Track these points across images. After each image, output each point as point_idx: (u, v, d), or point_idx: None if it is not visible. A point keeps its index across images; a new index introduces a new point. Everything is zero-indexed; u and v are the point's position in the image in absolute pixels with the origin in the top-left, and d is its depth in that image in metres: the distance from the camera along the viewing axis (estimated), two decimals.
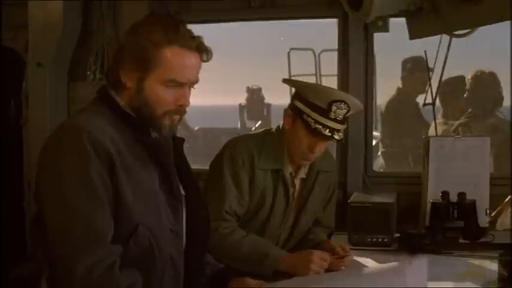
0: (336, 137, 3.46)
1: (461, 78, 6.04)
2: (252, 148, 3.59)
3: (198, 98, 2.80)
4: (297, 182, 3.70)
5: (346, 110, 3.44)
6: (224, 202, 3.51)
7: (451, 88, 5.93)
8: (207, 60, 2.64)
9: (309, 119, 3.44)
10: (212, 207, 3.37)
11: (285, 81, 3.83)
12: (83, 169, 2.44)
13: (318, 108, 3.43)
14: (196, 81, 2.63)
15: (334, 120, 3.43)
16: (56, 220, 2.46)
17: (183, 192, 2.72)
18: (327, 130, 3.43)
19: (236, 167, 3.55)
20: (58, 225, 2.46)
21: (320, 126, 3.42)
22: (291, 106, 3.56)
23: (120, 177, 2.48)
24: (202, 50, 2.60)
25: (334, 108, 3.41)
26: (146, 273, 2.52)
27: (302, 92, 3.50)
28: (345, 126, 3.53)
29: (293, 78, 8.48)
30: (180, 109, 2.61)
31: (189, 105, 2.63)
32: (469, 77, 5.84)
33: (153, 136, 2.64)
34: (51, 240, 2.48)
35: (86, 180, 2.43)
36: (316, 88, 3.62)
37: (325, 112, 3.42)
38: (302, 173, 3.70)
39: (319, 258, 3.36)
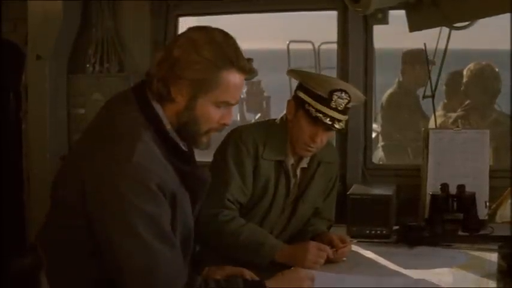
0: (337, 126, 3.48)
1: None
2: (257, 138, 3.61)
3: None
4: (298, 172, 3.71)
5: (347, 100, 3.47)
6: (227, 190, 3.52)
7: (455, 81, 5.94)
8: (247, 80, 2.65)
9: (310, 108, 3.47)
10: (214, 194, 3.44)
11: (289, 72, 3.83)
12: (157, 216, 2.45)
13: (319, 98, 3.46)
14: None
15: (335, 109, 3.45)
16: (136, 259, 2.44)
17: None
18: (328, 119, 3.45)
19: (241, 155, 3.57)
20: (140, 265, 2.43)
21: (321, 115, 3.45)
22: (294, 97, 3.60)
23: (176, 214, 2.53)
24: (252, 72, 2.62)
25: (335, 97, 3.44)
26: None
27: (304, 82, 3.54)
28: (347, 117, 3.54)
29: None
30: (222, 127, 2.64)
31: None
32: (466, 69, 5.84)
33: (193, 166, 2.66)
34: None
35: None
36: (318, 77, 3.64)
37: (326, 101, 3.45)
38: (304, 163, 3.71)
39: (316, 249, 3.38)
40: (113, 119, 2.56)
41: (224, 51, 2.51)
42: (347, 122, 3.74)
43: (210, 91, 2.52)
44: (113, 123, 2.54)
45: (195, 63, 2.49)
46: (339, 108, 3.46)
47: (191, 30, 2.59)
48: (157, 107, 2.56)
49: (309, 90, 3.50)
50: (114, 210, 2.38)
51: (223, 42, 2.53)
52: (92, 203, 2.41)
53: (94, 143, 2.52)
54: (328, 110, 3.45)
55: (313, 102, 3.47)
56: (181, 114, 2.55)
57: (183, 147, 2.61)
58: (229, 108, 2.60)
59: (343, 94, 3.46)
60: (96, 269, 2.50)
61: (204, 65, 2.49)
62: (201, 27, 2.59)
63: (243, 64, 2.55)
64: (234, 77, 2.54)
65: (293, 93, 3.64)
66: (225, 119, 2.60)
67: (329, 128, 3.49)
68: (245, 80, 2.60)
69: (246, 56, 2.58)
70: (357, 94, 3.57)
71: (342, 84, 3.55)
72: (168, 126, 2.56)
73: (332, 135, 3.77)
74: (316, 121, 3.47)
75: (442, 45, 4.58)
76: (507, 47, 5.01)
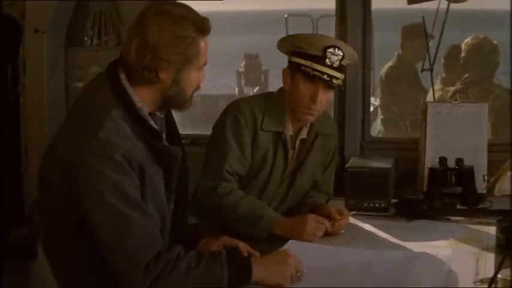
0: (335, 82, 3.50)
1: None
2: (255, 109, 3.62)
3: None
4: (297, 144, 3.71)
5: (340, 56, 3.49)
6: (225, 161, 3.53)
7: (454, 55, 5.94)
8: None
9: (307, 68, 3.48)
10: (213, 166, 3.51)
11: (279, 42, 3.78)
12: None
13: (314, 57, 3.48)
14: None
15: (331, 67, 3.48)
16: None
17: None
18: (325, 76, 3.47)
19: (239, 127, 3.58)
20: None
21: (318, 73, 3.47)
22: (289, 65, 3.61)
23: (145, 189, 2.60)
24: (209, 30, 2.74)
25: (328, 54, 3.47)
26: None
27: (297, 47, 3.55)
28: (343, 75, 3.57)
29: None
30: (199, 88, 2.78)
31: None
32: (463, 43, 5.84)
33: (163, 143, 2.75)
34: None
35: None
36: (309, 38, 3.64)
37: (321, 59, 3.47)
38: (303, 134, 3.71)
39: (314, 222, 3.38)
40: (85, 101, 2.70)
41: (192, 22, 2.63)
42: (344, 94, 3.73)
43: (192, 61, 2.66)
44: (85, 104, 2.68)
45: (175, 46, 2.61)
46: (334, 65, 3.48)
47: (154, 14, 2.66)
48: (127, 85, 2.64)
49: (302, 53, 3.51)
50: (85, 182, 2.48)
51: (186, 15, 2.64)
52: (68, 180, 2.52)
53: (68, 124, 2.70)
54: (324, 67, 3.47)
55: (308, 63, 3.48)
56: (168, 90, 2.67)
57: (153, 125, 2.69)
58: (203, 68, 2.75)
59: (336, 50, 3.49)
60: (81, 244, 2.59)
61: (183, 44, 2.61)
62: (160, 10, 2.67)
63: (207, 26, 2.69)
64: (204, 41, 2.69)
65: (287, 63, 3.65)
66: (201, 80, 2.76)
67: (328, 84, 3.50)
68: None
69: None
70: (350, 51, 3.58)
71: (334, 41, 3.60)
72: (139, 105, 2.64)
73: (331, 97, 3.72)
74: (314, 80, 3.49)
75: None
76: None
